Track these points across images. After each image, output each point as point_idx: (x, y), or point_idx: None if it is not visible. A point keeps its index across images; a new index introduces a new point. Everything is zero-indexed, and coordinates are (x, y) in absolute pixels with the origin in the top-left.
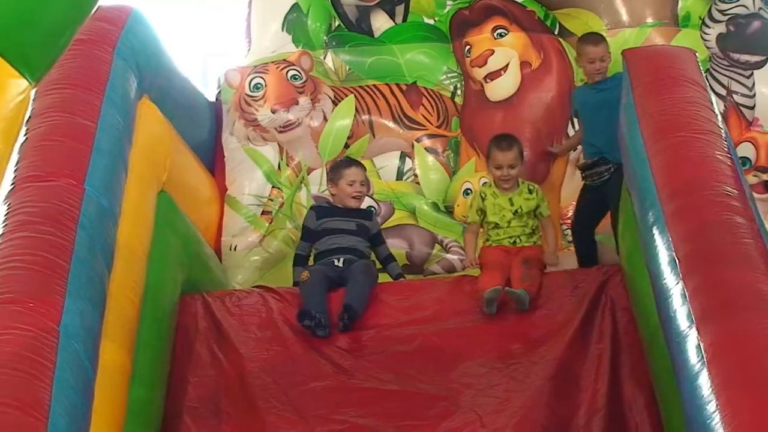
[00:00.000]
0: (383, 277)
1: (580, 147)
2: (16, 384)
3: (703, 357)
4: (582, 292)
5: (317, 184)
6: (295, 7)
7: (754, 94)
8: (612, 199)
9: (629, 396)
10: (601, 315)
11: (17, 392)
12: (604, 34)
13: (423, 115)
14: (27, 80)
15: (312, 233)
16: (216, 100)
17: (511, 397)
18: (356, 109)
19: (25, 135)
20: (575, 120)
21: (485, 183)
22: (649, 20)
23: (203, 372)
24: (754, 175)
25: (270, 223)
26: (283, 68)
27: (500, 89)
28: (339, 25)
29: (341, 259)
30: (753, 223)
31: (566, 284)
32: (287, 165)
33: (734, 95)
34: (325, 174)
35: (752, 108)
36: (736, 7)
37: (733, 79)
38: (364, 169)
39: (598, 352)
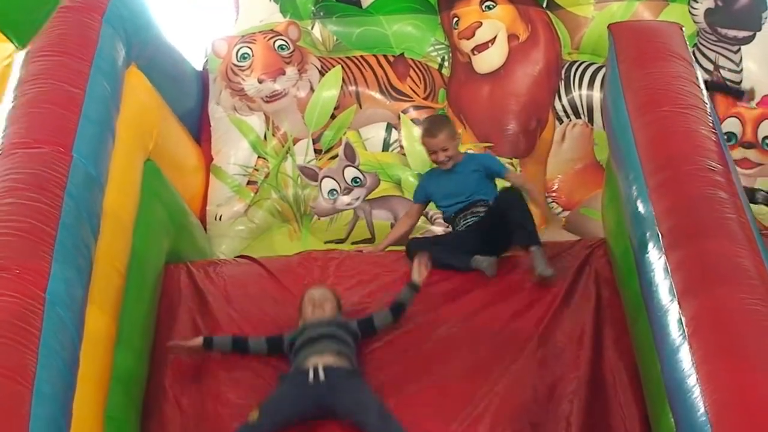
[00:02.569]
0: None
1: None
2: (1, 351)
3: (684, 330)
4: (566, 264)
5: (303, 154)
6: None
7: (742, 70)
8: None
9: (613, 369)
10: (585, 287)
11: (2, 359)
12: (591, 8)
13: (410, 87)
14: (14, 44)
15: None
16: (203, 69)
17: (493, 371)
18: (343, 79)
19: (13, 101)
20: (562, 92)
21: None
22: None
23: (185, 341)
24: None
25: (255, 193)
26: (270, 38)
27: (487, 61)
28: None
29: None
30: (736, 197)
31: (550, 256)
32: (273, 135)
33: (721, 70)
34: (311, 144)
35: (739, 83)
36: None
37: (720, 54)
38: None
39: (582, 326)
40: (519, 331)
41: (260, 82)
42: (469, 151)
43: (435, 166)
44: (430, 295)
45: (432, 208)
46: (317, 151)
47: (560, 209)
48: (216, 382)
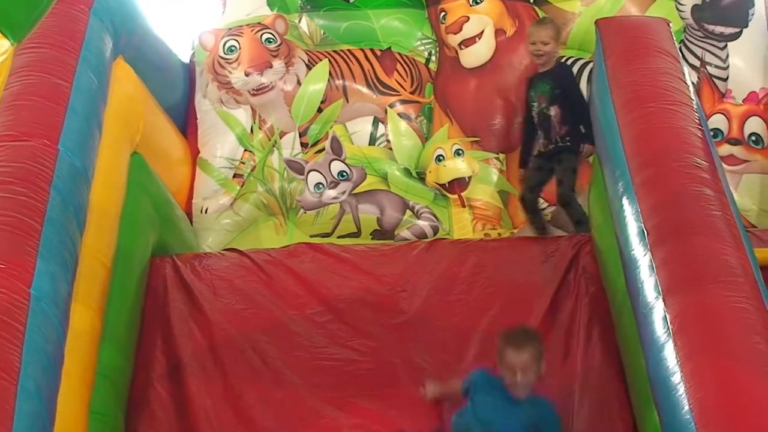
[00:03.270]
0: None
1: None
2: None
3: (669, 328)
4: (554, 261)
5: (289, 148)
6: None
7: (728, 66)
8: None
9: (600, 366)
10: (574, 284)
11: None
12: (578, 3)
13: (397, 81)
14: (9, 40)
15: None
16: (190, 61)
17: None
18: (330, 73)
19: None
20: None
21: None
22: None
23: (172, 336)
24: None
25: (241, 186)
26: (257, 31)
27: (474, 56)
28: None
29: None
30: (722, 195)
31: (539, 253)
32: (260, 128)
33: (708, 67)
34: (297, 138)
35: (725, 80)
36: None
37: (707, 50)
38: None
39: (570, 322)
40: None
41: (247, 75)
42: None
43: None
44: (414, 300)
45: (419, 202)
46: (304, 145)
47: (546, 204)
48: (204, 377)
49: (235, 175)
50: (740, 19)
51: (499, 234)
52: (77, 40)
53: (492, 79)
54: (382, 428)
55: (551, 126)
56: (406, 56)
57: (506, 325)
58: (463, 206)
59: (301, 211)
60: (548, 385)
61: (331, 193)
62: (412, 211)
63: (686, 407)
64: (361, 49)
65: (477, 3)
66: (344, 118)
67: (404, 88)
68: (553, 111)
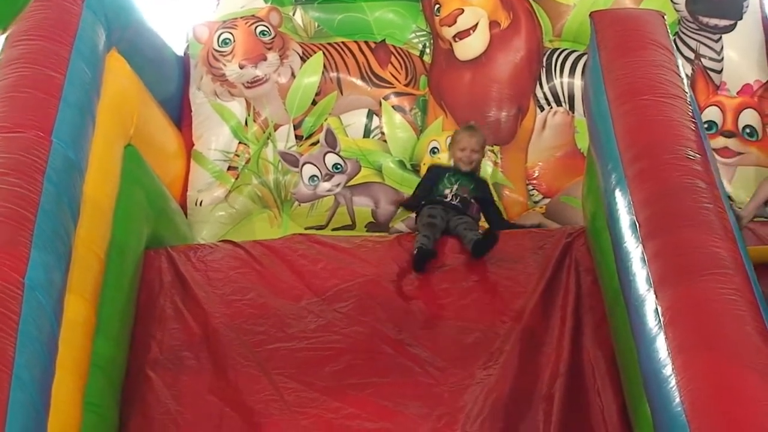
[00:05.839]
0: (345, 233)
1: None
2: None
3: (660, 320)
4: (546, 253)
5: (284, 140)
6: None
7: (722, 58)
8: None
9: (592, 359)
10: (566, 277)
11: None
12: None
13: (391, 73)
14: None
15: None
16: (184, 54)
17: (473, 365)
18: (324, 66)
19: None
20: (543, 79)
21: None
22: None
23: (167, 327)
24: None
25: (236, 178)
26: (251, 24)
27: (469, 49)
28: None
29: None
30: (714, 187)
31: (530, 245)
32: (254, 121)
33: (702, 59)
34: (291, 130)
35: (720, 72)
36: None
37: (701, 42)
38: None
39: (562, 315)
40: (500, 324)
41: (241, 67)
42: None
43: None
44: (407, 291)
45: (405, 191)
46: (298, 137)
47: (541, 197)
48: (198, 367)
49: (229, 168)
50: (735, 12)
51: None
52: (70, 33)
53: (486, 71)
54: (375, 417)
55: (469, 206)
56: (400, 49)
57: (499, 321)
58: None
59: (296, 203)
60: (537, 374)
61: (326, 185)
62: None
63: (677, 400)
64: (356, 42)
65: None
66: (339, 111)
67: (398, 81)
68: (473, 201)
